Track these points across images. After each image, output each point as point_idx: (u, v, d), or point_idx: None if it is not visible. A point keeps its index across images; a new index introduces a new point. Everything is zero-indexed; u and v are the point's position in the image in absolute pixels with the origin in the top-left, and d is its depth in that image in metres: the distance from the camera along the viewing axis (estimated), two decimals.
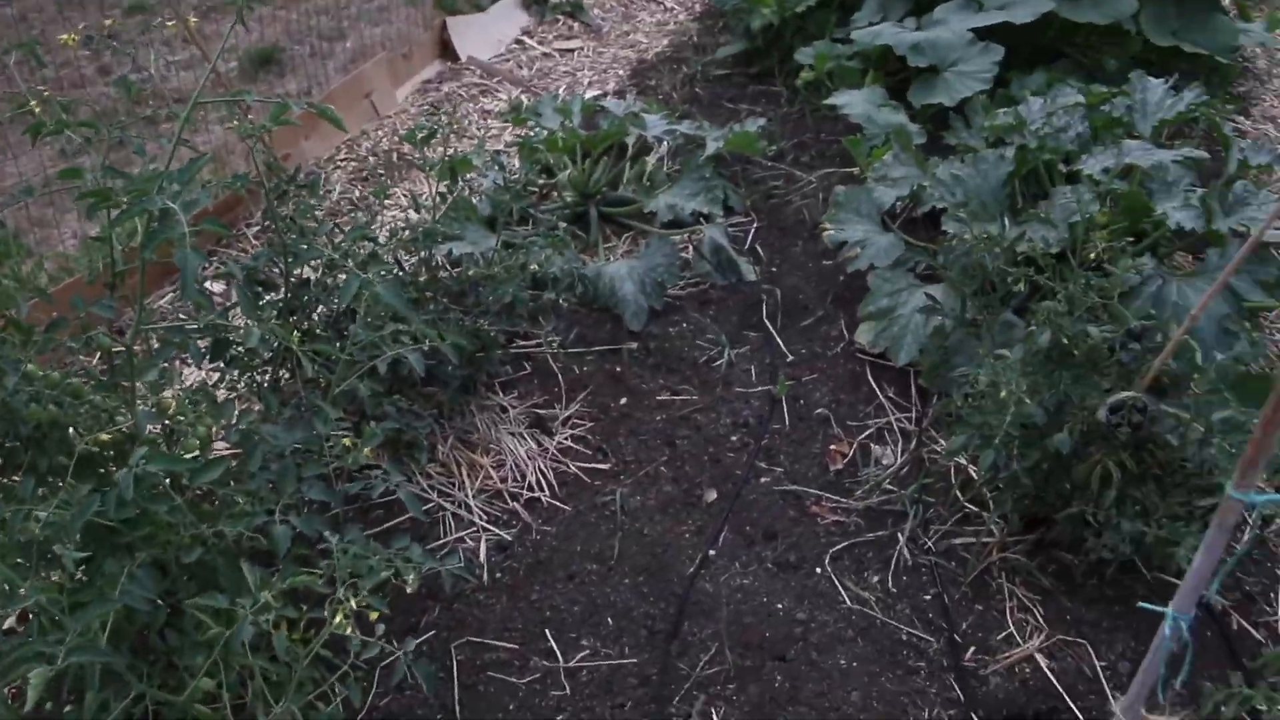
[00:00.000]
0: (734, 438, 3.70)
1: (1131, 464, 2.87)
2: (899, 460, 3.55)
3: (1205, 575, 1.86)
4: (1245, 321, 3.52)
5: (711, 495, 3.47)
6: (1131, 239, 3.60)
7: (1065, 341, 2.86)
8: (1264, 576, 3.28)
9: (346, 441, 2.70)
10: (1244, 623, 3.09)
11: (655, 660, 2.94)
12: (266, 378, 3.25)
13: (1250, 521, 2.64)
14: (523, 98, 6.11)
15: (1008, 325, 3.34)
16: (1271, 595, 3.23)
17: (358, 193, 5.24)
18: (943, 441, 3.55)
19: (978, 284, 3.38)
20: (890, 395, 3.82)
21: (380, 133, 5.88)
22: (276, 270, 3.18)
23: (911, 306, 3.72)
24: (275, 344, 3.02)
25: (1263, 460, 1.72)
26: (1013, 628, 3.00)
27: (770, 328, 4.19)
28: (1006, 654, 2.93)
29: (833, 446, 3.62)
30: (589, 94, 6.07)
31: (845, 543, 3.26)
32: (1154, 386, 2.89)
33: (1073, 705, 2.80)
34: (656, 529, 3.34)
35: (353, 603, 2.20)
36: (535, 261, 3.66)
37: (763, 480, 3.51)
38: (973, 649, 2.95)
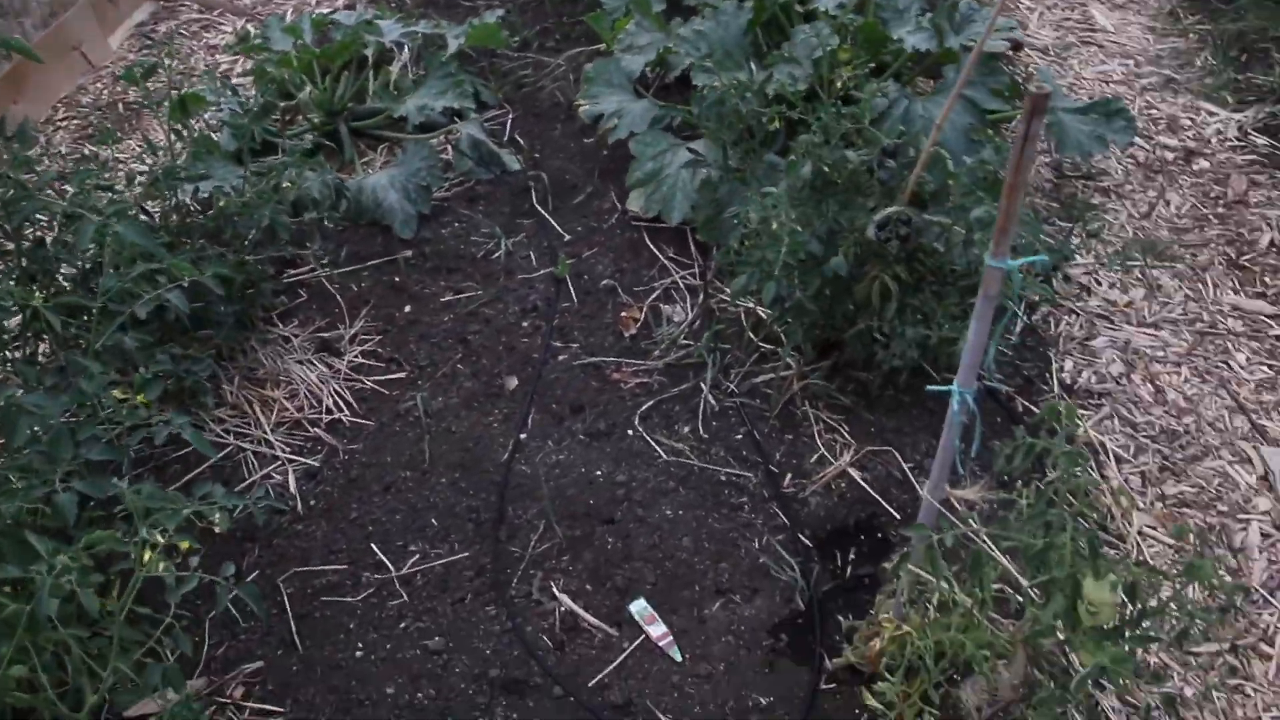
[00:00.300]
0: (525, 323, 3.68)
1: (906, 275, 2.99)
2: (690, 315, 3.61)
3: (980, 347, 1.95)
4: (988, 130, 3.69)
5: (513, 382, 3.46)
6: (875, 69, 3.71)
7: (827, 170, 2.93)
8: (1038, 361, 3.50)
9: (117, 394, 2.56)
10: (1027, 403, 3.29)
11: (487, 549, 2.94)
12: (20, 353, 3.03)
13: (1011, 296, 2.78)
14: (249, 27, 5.81)
15: (771, 166, 3.41)
16: (1047, 376, 3.45)
17: (88, 150, 4.91)
18: (728, 290, 3.62)
19: (735, 132, 3.42)
20: (671, 255, 3.87)
21: (100, 85, 5.49)
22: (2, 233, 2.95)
23: (676, 165, 3.75)
24: (18, 311, 2.82)
25: (1011, 227, 1.81)
26: (823, 449, 3.12)
27: (543, 212, 4.16)
28: (821, 474, 3.05)
29: (623, 314, 3.65)
30: (319, 12, 5.81)
31: (651, 402, 3.31)
32: (915, 199, 3.00)
33: (888, 507, 2.95)
34: (464, 424, 3.31)
35: (159, 537, 2.10)
36: (288, 180, 3.51)
37: (560, 358, 3.52)
38: (790, 476, 3.06)
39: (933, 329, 2.91)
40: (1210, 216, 4.21)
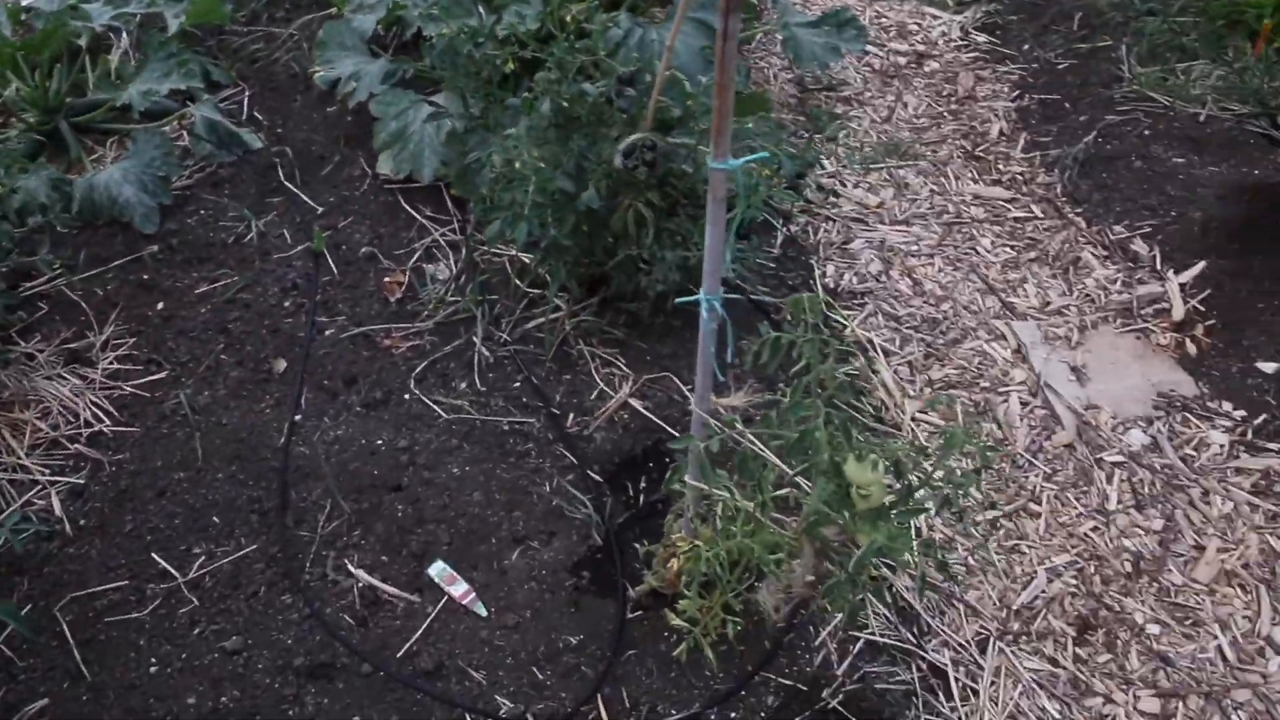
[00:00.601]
0: (287, 303, 3.55)
1: (659, 201, 3.01)
2: (455, 271, 3.55)
3: (718, 252, 1.97)
4: None
5: (281, 365, 3.34)
6: (612, 1, 3.70)
7: (566, 105, 2.90)
8: (801, 270, 3.59)
9: None
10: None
11: (275, 538, 2.84)
12: None
13: (756, 203, 2.82)
14: None
15: (514, 110, 3.36)
16: (811, 282, 3.54)
17: None
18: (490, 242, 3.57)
19: (472, 79, 3.36)
20: (429, 214, 3.79)
21: None
22: None
23: (420, 122, 3.67)
24: None
25: (726, 127, 1.82)
26: (602, 384, 3.12)
27: (292, 187, 4.01)
28: (603, 408, 3.05)
29: (386, 279, 3.56)
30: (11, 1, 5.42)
31: (425, 363, 3.24)
32: (658, 125, 3.01)
33: (672, 430, 2.98)
34: (235, 415, 3.18)
35: None
36: (1, 185, 3.27)
37: (328, 333, 3.41)
38: (572, 415, 3.06)
39: (691, 250, 2.94)
40: (945, 114, 4.39)
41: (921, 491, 1.96)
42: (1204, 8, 4.44)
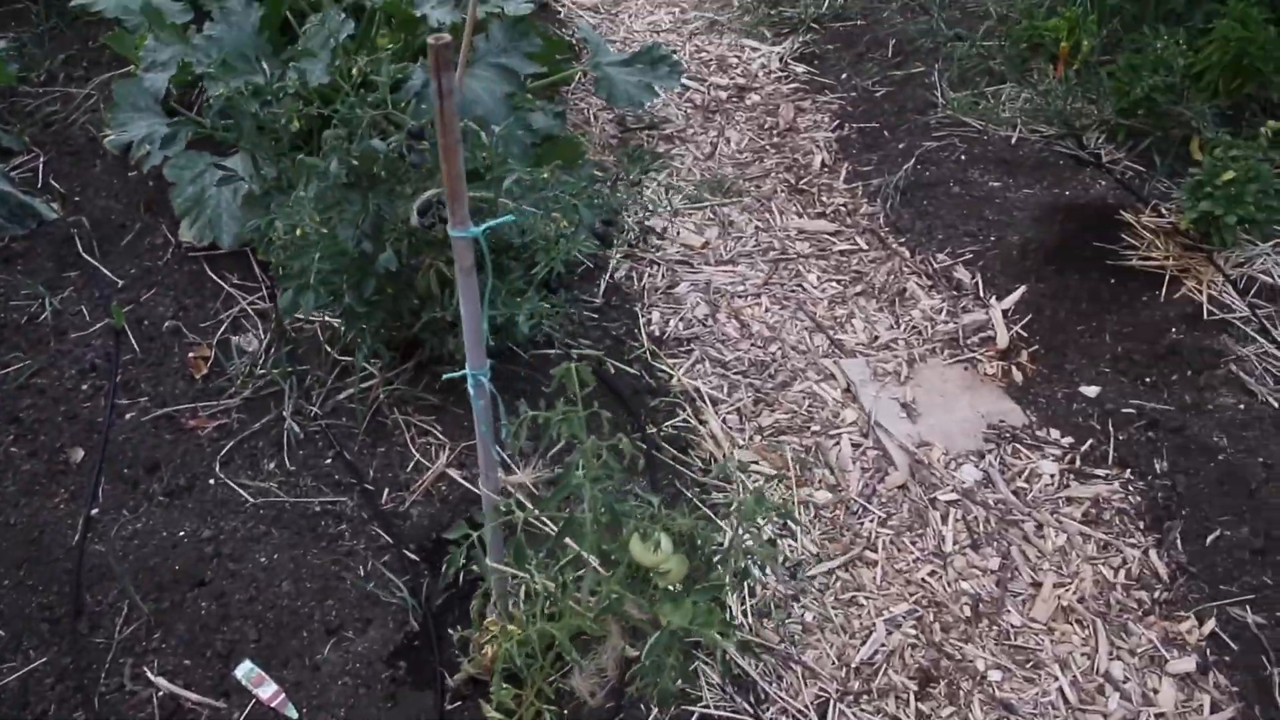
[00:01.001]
0: (85, 386, 3.31)
1: None
2: (264, 342, 3.37)
3: (475, 325, 1.86)
4: (527, 95, 3.64)
5: (79, 454, 3.11)
6: (416, 52, 3.57)
7: (356, 163, 2.77)
8: (626, 319, 3.50)
9: None
10: (617, 364, 3.28)
11: (67, 648, 2.62)
12: None
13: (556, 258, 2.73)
14: None
15: (311, 168, 3.21)
16: (635, 331, 3.46)
17: None
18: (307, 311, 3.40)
19: (259, 138, 3.19)
20: (235, 282, 3.60)
21: None
22: None
23: (215, 186, 3.48)
24: None
25: (460, 192, 1.72)
26: (418, 454, 2.98)
27: (90, 259, 3.77)
28: (419, 481, 2.91)
29: (191, 354, 3.36)
30: None
31: (231, 443, 3.06)
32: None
33: None
34: (25, 514, 2.94)
35: None
36: None
37: (129, 416, 3.19)
38: (387, 490, 2.90)
39: (499, 308, 2.82)
40: (767, 146, 4.37)
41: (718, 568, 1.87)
42: (1008, 31, 4.52)
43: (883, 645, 2.61)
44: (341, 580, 2.69)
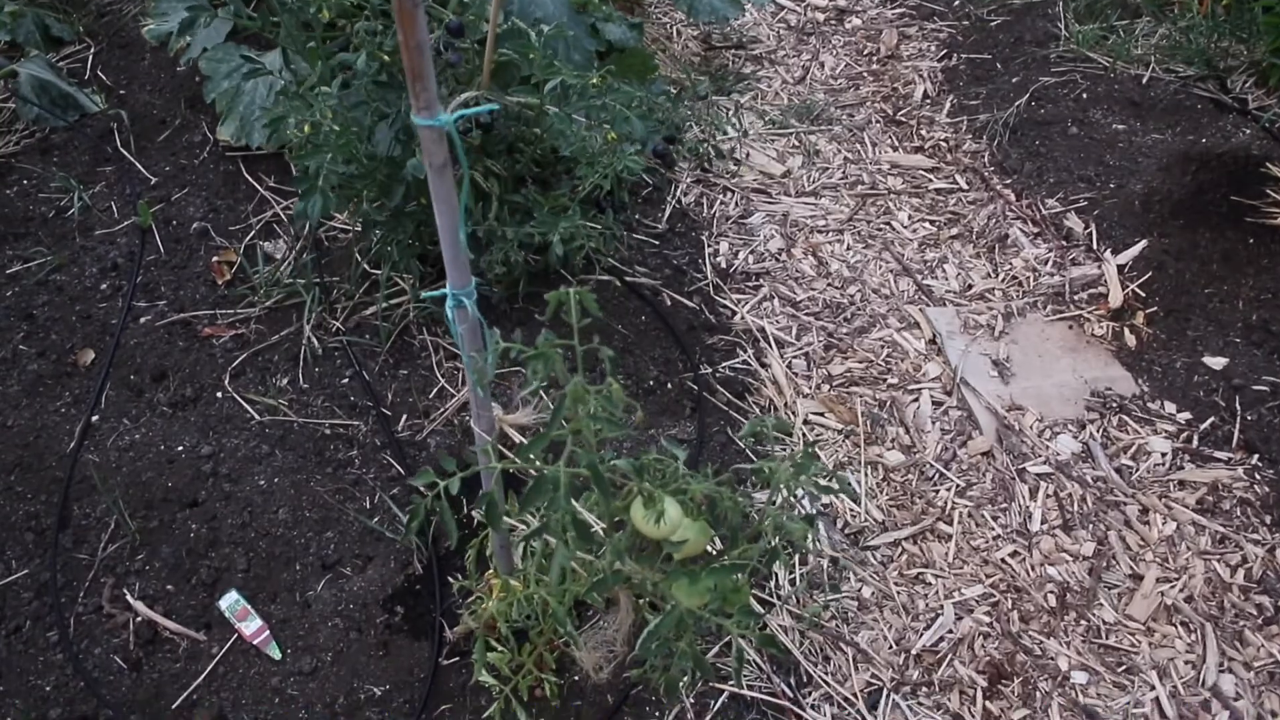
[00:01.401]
0: (104, 285, 3.08)
1: (501, 169, 2.57)
2: (297, 249, 3.09)
3: (452, 234, 1.52)
4: (604, 4, 3.28)
5: (89, 356, 2.87)
6: None
7: (387, 59, 2.45)
8: (690, 247, 3.16)
9: None
10: (675, 296, 2.94)
11: (48, 562, 2.38)
12: None
13: (609, 174, 2.38)
14: None
15: (340, 62, 2.90)
16: (699, 262, 3.12)
17: None
18: (341, 217, 3.12)
19: (296, 31, 2.89)
20: (272, 185, 3.33)
21: None
22: None
23: (254, 81, 3.20)
24: None
25: (422, 70, 1.38)
26: (443, 380, 2.68)
27: (127, 155, 3.53)
28: (441, 409, 2.61)
29: (215, 259, 3.10)
30: None
31: (244, 355, 2.79)
32: (498, 79, 2.57)
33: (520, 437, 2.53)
34: (24, 416, 2.71)
35: None
36: None
37: (143, 320, 2.95)
38: (405, 417, 2.61)
39: (535, 225, 2.50)
40: (865, 74, 3.97)
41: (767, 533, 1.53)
42: None
43: (950, 632, 2.26)
44: (344, 512, 2.41)
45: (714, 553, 1.67)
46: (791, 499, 1.48)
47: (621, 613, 1.65)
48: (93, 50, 4.05)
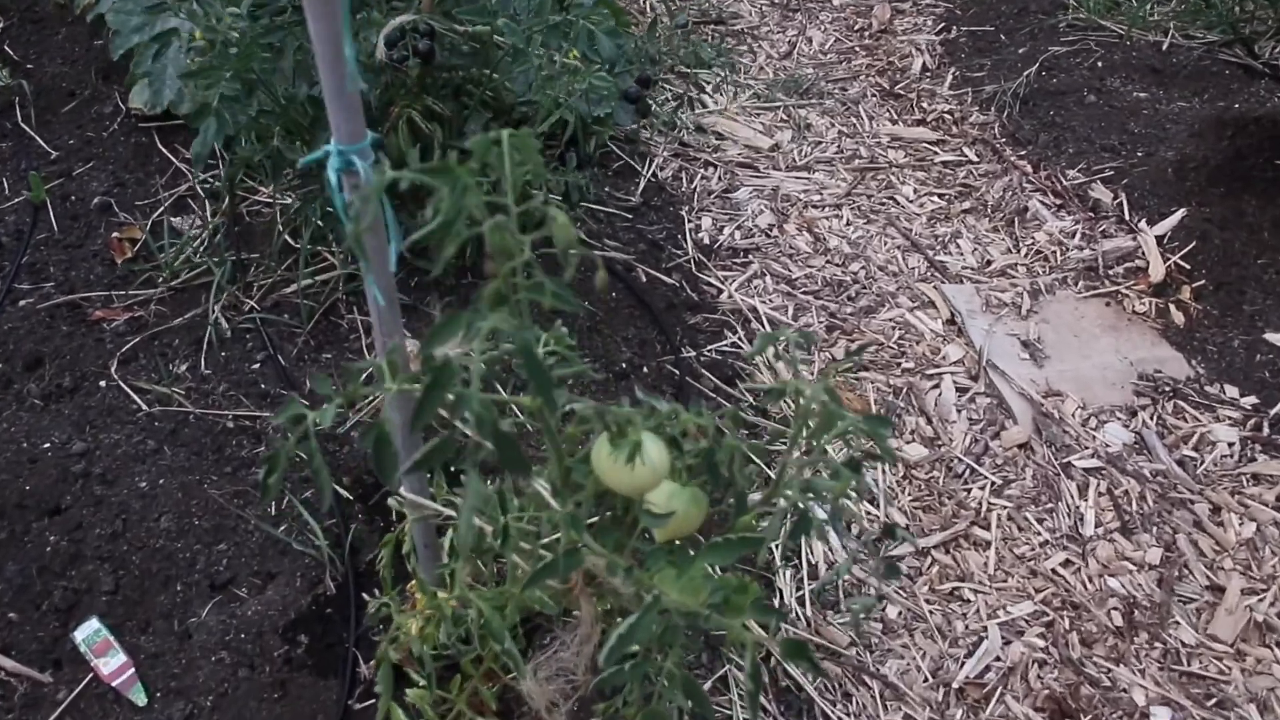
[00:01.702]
0: None
1: (444, 109, 2.16)
2: (210, 224, 2.65)
3: (334, 51, 1.04)
4: None
5: None
6: None
7: None
8: (669, 222, 2.75)
9: None
10: (651, 272, 2.52)
11: None
12: None
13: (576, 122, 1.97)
14: None
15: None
16: (679, 237, 2.70)
17: None
18: (266, 186, 2.69)
19: None
20: (187, 157, 2.89)
21: None
22: None
23: (172, 42, 2.78)
24: None
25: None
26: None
27: (26, 128, 3.10)
28: (371, 400, 2.16)
29: (115, 235, 2.66)
30: None
31: (138, 339, 2.34)
32: (443, 2, 2.16)
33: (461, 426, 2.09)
34: None
35: None
36: None
37: (23, 304, 2.50)
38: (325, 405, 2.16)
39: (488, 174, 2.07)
40: (857, 48, 3.59)
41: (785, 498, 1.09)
42: None
43: (997, 659, 1.82)
44: (243, 519, 1.95)
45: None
46: (825, 448, 1.05)
47: (583, 628, 1.21)
48: (1, 25, 3.62)
